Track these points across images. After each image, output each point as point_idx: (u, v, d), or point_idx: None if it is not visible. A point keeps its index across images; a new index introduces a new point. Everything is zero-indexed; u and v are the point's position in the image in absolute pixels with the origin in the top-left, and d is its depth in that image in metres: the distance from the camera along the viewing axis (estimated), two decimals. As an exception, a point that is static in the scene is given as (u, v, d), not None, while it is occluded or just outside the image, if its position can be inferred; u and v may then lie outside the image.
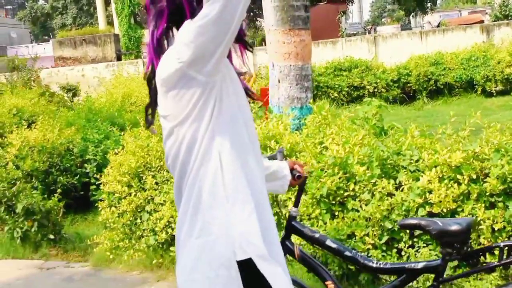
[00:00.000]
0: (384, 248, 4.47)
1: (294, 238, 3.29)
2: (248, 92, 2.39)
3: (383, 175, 4.69)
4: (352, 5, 50.11)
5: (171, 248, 5.53)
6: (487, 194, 4.16)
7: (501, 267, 3.10)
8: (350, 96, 16.71)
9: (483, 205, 4.13)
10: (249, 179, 2.23)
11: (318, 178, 4.71)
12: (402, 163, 4.68)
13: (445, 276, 2.85)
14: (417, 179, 4.43)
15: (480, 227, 4.08)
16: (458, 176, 4.24)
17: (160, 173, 5.90)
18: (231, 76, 2.25)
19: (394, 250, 4.47)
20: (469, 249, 2.93)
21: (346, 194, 4.69)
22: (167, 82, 2.14)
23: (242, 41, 2.39)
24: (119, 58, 28.65)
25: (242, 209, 2.17)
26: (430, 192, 4.27)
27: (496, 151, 4.29)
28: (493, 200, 4.19)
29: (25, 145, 8.30)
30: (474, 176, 4.23)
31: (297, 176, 2.97)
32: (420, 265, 2.86)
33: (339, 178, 4.68)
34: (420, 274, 2.99)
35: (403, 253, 4.37)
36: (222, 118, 2.17)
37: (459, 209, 4.22)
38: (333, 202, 4.74)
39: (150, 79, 2.36)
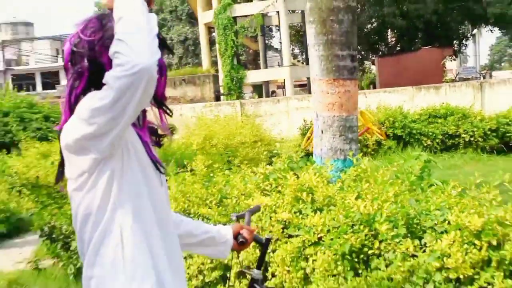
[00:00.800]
0: None
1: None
2: (156, 165, 2.36)
3: (409, 235, 4.54)
4: (465, 48, 48.90)
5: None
6: (507, 262, 3.95)
7: None
8: (445, 145, 16.35)
9: (502, 273, 3.91)
10: (153, 252, 2.24)
11: (341, 234, 4.65)
12: (427, 223, 4.54)
13: None
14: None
15: (499, 297, 3.88)
16: (477, 242, 4.06)
17: (196, 219, 5.99)
18: (135, 149, 2.26)
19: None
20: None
21: (370, 252, 4.57)
22: (68, 149, 2.18)
23: (162, 106, 2.41)
24: (217, 99, 29.40)
25: (140, 285, 2.18)
26: (449, 256, 4.10)
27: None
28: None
29: None
30: (495, 243, 4.03)
31: (241, 242, 2.93)
32: None
33: (365, 235, 4.60)
34: None
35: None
36: (124, 194, 2.19)
37: (476, 276, 4.01)
38: (357, 259, 4.63)
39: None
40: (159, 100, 2.38)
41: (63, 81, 62.24)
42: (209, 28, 37.87)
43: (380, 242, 4.55)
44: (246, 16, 34.64)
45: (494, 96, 19.89)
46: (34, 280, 7.47)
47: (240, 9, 34.83)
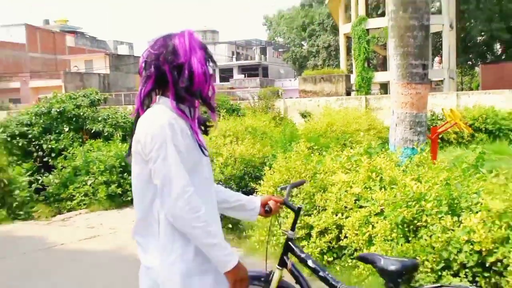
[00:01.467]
0: (440, 273, 4.39)
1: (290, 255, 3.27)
2: (201, 149, 2.49)
3: (450, 212, 4.61)
4: None
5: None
6: None
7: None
8: (530, 140, 15.66)
9: None
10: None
11: (397, 208, 4.79)
12: (464, 204, 4.60)
13: None
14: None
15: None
16: (498, 222, 4.10)
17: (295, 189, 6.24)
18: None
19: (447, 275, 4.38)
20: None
21: (419, 224, 4.68)
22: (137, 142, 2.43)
23: (206, 103, 2.53)
24: (348, 94, 29.62)
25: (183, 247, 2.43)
26: (475, 232, 4.16)
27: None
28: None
29: (231, 156, 9.10)
30: (513, 223, 4.05)
31: (266, 211, 3.00)
32: None
33: (416, 210, 4.71)
34: None
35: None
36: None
37: (495, 250, 4.04)
38: (407, 229, 4.74)
39: (136, 121, 2.51)
40: (204, 99, 2.50)
41: (236, 76, 64.24)
42: (347, 38, 38.25)
43: (427, 216, 4.65)
44: (377, 28, 35.07)
45: None
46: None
47: (372, 23, 35.12)
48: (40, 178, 10.88)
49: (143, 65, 2.49)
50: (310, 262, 3.12)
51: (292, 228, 3.23)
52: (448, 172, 5.24)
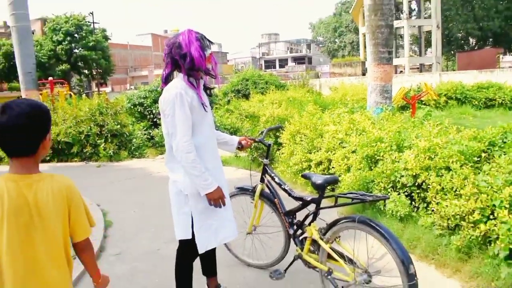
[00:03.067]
0: (388, 191, 4.24)
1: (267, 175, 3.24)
2: (203, 106, 2.50)
3: (398, 150, 4.51)
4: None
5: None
6: (438, 167, 3.89)
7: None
8: (486, 105, 14.78)
9: (434, 173, 3.86)
10: (205, 156, 2.52)
11: (363, 147, 4.75)
12: (406, 144, 4.51)
13: (321, 207, 2.76)
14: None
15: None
16: (422, 155, 4.03)
17: (300, 137, 6.28)
18: (194, 100, 2.46)
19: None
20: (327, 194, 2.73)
21: (378, 157, 4.63)
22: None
23: (209, 74, 2.56)
24: (363, 74, 28.90)
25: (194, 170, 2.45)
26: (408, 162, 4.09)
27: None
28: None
29: (271, 115, 9.07)
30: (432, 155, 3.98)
31: (239, 147, 3.00)
32: (309, 198, 2.84)
33: (376, 148, 4.63)
34: (310, 203, 2.83)
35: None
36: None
37: (421, 174, 3.94)
38: (370, 161, 4.71)
39: (161, 91, 2.53)
40: (205, 72, 2.50)
41: (289, 64, 63.10)
42: (364, 35, 36.49)
43: (383, 152, 4.56)
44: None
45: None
46: (233, 161, 7.96)
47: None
48: (151, 132, 11.17)
49: (164, 56, 2.54)
50: (276, 179, 3.13)
51: (266, 157, 3.21)
52: (400, 124, 5.15)
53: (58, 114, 9.77)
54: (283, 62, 67.01)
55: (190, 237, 2.53)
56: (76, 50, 36.71)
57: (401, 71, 34.42)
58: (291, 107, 10.06)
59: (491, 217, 3.24)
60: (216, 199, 2.46)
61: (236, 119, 12.07)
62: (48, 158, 9.10)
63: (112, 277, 3.47)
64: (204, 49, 2.47)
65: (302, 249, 2.90)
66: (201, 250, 2.54)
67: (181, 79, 2.48)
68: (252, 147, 7.29)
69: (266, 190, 3.24)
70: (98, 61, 37.50)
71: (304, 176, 2.85)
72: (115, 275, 3.53)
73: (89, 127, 9.20)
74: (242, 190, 3.40)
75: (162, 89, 2.52)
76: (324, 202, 2.78)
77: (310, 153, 5.81)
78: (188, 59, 2.42)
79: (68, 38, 35.88)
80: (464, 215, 3.37)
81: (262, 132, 3.36)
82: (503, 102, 14.59)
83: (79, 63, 37.67)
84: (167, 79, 2.54)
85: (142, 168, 8.22)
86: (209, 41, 2.53)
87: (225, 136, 2.98)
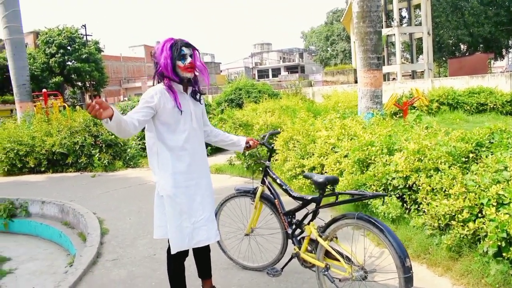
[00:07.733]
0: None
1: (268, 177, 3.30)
2: (179, 110, 2.57)
3: (388, 153, 4.57)
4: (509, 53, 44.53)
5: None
6: (427, 169, 3.97)
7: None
8: (477, 109, 14.98)
9: (424, 174, 3.95)
10: (176, 161, 2.57)
11: (354, 151, 4.81)
12: (396, 147, 4.57)
13: (321, 205, 2.79)
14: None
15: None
16: (412, 157, 4.11)
17: (290, 138, 6.33)
18: (169, 107, 2.54)
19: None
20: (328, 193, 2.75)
21: (369, 161, 4.67)
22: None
23: (179, 82, 2.63)
24: (355, 82, 29.24)
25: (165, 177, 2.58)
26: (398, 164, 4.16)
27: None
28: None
29: (264, 123, 9.13)
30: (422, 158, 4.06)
31: (247, 147, 3.08)
32: (309, 197, 2.89)
33: (368, 152, 4.70)
34: (310, 202, 2.88)
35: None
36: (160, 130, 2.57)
37: (411, 176, 4.01)
38: (362, 165, 4.76)
39: None
40: (171, 79, 2.58)
41: (282, 73, 63.46)
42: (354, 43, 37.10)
43: (374, 156, 4.64)
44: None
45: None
46: (227, 169, 8.01)
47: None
48: (144, 141, 11.16)
49: (153, 61, 2.68)
50: (278, 180, 3.19)
51: (268, 160, 3.29)
52: (391, 128, 5.23)
53: (52, 125, 9.79)
54: (276, 71, 67.44)
55: (167, 236, 2.59)
56: (69, 63, 36.65)
57: (393, 78, 34.67)
58: (284, 115, 10.19)
59: (480, 215, 3.32)
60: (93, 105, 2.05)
61: (230, 128, 12.11)
62: (43, 169, 9.11)
63: (109, 281, 3.51)
64: (179, 58, 2.55)
65: (299, 248, 2.96)
66: (173, 251, 2.59)
67: (162, 83, 2.61)
68: (246, 154, 7.39)
69: (267, 191, 3.30)
70: (91, 73, 37.45)
71: (305, 176, 2.90)
72: (113, 280, 3.57)
73: (83, 138, 9.23)
74: (243, 192, 3.43)
75: None
76: (324, 202, 2.83)
77: (303, 158, 5.88)
78: (158, 66, 2.58)
79: (61, 51, 35.84)
80: (453, 214, 3.45)
81: (264, 136, 3.44)
82: (494, 106, 14.79)
83: (72, 75, 37.59)
84: (156, 82, 2.68)
85: (137, 177, 8.24)
86: (194, 48, 2.61)
87: (232, 137, 3.07)
